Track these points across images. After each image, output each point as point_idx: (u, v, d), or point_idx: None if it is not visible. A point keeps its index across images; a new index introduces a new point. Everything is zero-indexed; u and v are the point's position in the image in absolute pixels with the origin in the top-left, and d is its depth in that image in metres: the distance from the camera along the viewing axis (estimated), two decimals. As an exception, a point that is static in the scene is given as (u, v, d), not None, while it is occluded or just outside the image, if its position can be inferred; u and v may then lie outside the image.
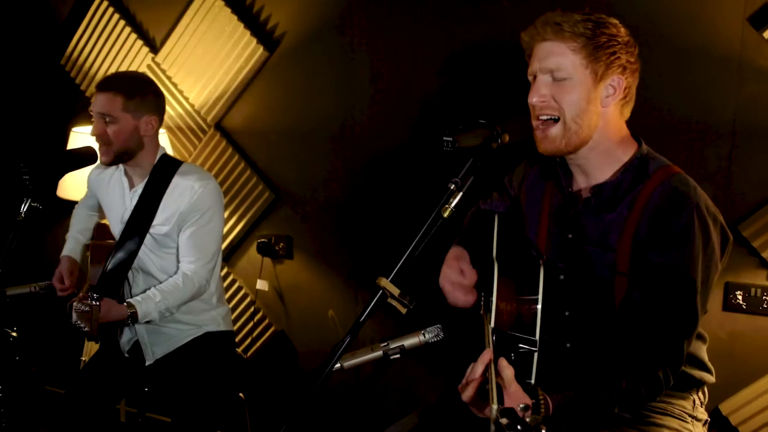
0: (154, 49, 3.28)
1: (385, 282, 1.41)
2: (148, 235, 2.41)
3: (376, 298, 1.42)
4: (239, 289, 3.22)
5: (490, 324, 1.57)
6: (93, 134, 2.35)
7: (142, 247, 2.42)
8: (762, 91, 2.15)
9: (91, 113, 2.35)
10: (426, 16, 2.66)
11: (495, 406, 1.14)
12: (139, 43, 3.29)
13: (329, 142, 2.95)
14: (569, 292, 1.69)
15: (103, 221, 2.73)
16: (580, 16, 1.59)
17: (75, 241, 2.69)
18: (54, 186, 2.93)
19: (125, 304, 2.27)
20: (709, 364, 1.77)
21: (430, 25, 2.66)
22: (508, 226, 1.83)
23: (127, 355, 2.52)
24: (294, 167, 3.06)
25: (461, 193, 1.48)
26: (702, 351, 1.75)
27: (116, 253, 2.43)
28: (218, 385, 2.49)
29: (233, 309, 3.22)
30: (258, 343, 3.22)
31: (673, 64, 2.24)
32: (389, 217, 2.83)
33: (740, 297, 2.25)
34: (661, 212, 1.57)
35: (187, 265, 2.39)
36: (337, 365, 1.54)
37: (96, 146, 2.34)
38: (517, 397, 1.34)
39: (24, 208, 1.99)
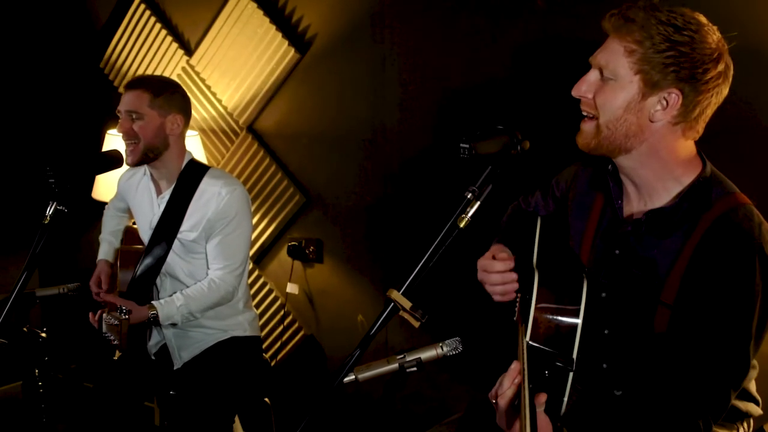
0: (189, 51, 3.30)
1: (396, 294, 1.36)
2: (176, 241, 2.42)
3: (386, 312, 1.37)
4: (270, 292, 3.22)
5: (525, 337, 1.48)
6: (119, 131, 2.37)
7: (170, 252, 2.43)
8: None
9: (119, 113, 2.37)
10: (459, 18, 2.60)
11: None
12: (174, 45, 3.32)
13: (360, 145, 2.91)
14: (610, 310, 1.59)
15: (133, 224, 2.75)
16: (666, 16, 1.41)
17: (108, 243, 2.72)
18: (80, 189, 2.96)
19: (147, 305, 2.28)
20: (757, 396, 1.65)
21: (463, 27, 2.59)
22: (551, 232, 1.74)
23: (153, 357, 2.53)
24: (325, 170, 3.04)
25: (479, 203, 1.42)
26: (750, 382, 1.63)
27: (145, 258, 2.45)
28: (243, 389, 2.48)
29: (264, 312, 3.22)
30: (288, 347, 3.21)
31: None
32: (420, 222, 2.78)
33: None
34: (720, 251, 1.41)
35: (215, 272, 2.39)
36: (351, 377, 1.50)
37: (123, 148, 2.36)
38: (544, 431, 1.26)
39: (49, 211, 1.99)
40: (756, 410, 1.65)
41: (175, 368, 2.50)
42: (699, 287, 1.43)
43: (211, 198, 2.37)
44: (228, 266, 2.38)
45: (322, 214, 3.07)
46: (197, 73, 3.25)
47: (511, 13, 2.48)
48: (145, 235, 2.50)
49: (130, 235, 2.73)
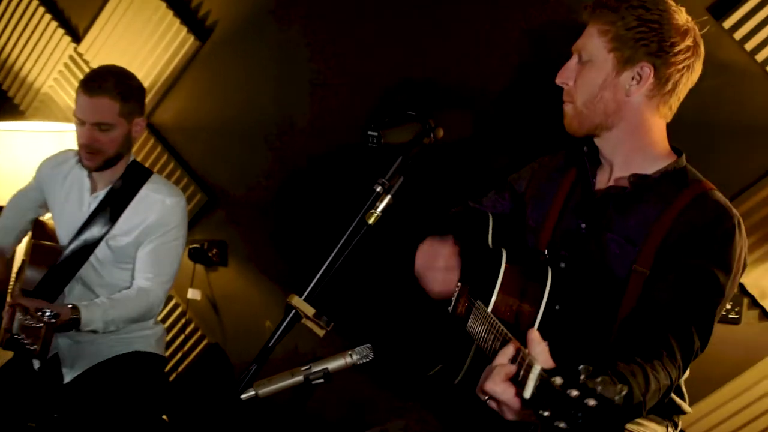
0: (77, 38, 3.06)
1: (297, 300, 1.22)
2: (102, 245, 2.22)
3: (287, 320, 1.22)
4: (169, 298, 2.99)
5: (488, 309, 1.47)
6: (83, 143, 2.18)
7: (91, 257, 2.23)
8: (721, 86, 2.01)
9: (79, 119, 2.16)
10: (370, 4, 2.47)
11: (537, 368, 0.99)
12: (60, 31, 3.06)
13: (266, 140, 2.74)
14: (566, 283, 1.57)
15: (45, 218, 2.50)
16: (637, 1, 1.53)
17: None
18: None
19: (69, 306, 2.04)
20: (686, 394, 1.68)
21: (376, 14, 2.47)
22: (504, 228, 1.75)
23: (36, 369, 2.27)
24: (228, 167, 2.86)
25: (389, 196, 1.30)
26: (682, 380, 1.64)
27: (61, 259, 2.23)
28: (138, 407, 2.26)
29: (162, 320, 2.99)
30: (190, 357, 3.01)
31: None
32: (330, 220, 2.63)
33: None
34: (703, 217, 1.51)
35: (144, 282, 2.22)
36: (251, 393, 1.36)
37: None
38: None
39: None
40: (686, 407, 1.67)
41: (65, 382, 2.25)
42: (681, 249, 1.48)
43: (154, 204, 2.23)
44: (158, 276, 2.22)
45: (225, 214, 2.88)
46: (86, 62, 3.01)
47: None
48: (65, 234, 2.28)
49: (39, 229, 2.46)
